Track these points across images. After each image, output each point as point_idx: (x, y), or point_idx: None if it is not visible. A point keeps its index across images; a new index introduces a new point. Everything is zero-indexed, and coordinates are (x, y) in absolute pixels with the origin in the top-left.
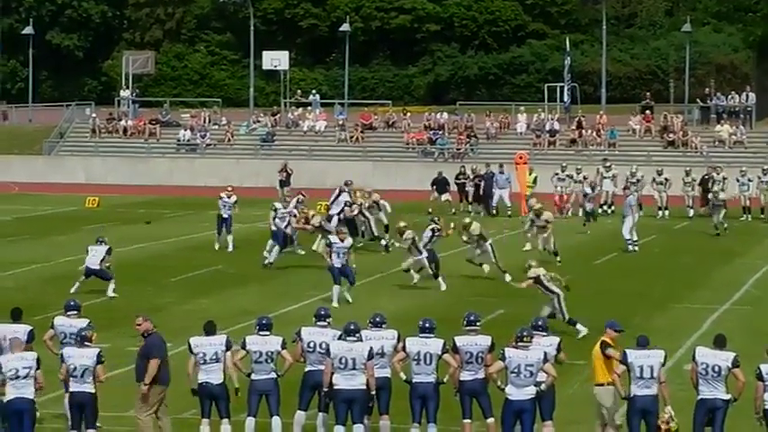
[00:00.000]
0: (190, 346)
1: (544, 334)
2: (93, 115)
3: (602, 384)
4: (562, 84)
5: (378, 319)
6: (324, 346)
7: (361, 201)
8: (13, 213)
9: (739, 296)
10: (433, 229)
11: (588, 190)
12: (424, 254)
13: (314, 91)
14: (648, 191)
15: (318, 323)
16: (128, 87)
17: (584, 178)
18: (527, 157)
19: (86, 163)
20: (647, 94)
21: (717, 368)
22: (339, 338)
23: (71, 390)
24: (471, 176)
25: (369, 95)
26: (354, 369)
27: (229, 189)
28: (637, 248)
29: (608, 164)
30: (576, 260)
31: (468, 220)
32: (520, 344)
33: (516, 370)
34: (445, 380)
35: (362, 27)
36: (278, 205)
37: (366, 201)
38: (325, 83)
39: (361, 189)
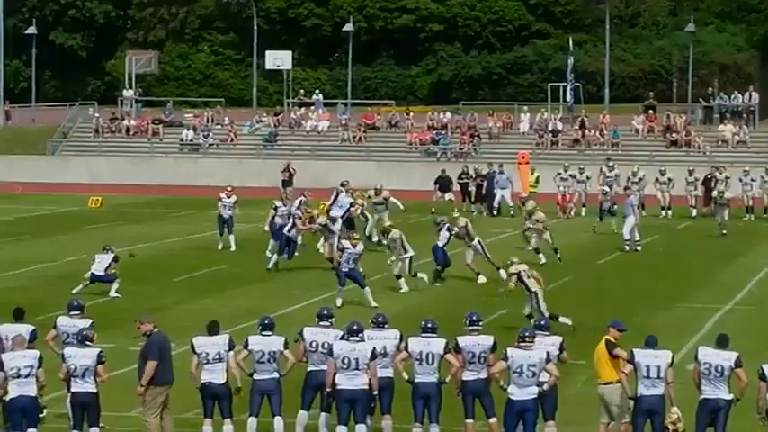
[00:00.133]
0: (193, 345)
1: (547, 334)
2: (97, 115)
3: (609, 383)
4: (565, 83)
5: (380, 319)
6: (326, 346)
7: (361, 201)
8: (16, 213)
9: (742, 296)
10: (449, 229)
11: (606, 188)
12: (410, 252)
13: (317, 91)
14: (651, 191)
15: (321, 323)
16: (131, 87)
17: (588, 178)
18: (529, 157)
19: (89, 163)
20: (651, 93)
21: (720, 368)
22: (341, 338)
23: (73, 390)
24: (474, 176)
25: (372, 95)
26: (357, 369)
27: (229, 189)
28: (639, 248)
29: (611, 164)
30: (579, 260)
31: (456, 214)
32: (522, 344)
33: (519, 370)
34: (447, 380)
35: (366, 27)
36: (278, 203)
37: (375, 197)
38: (329, 83)
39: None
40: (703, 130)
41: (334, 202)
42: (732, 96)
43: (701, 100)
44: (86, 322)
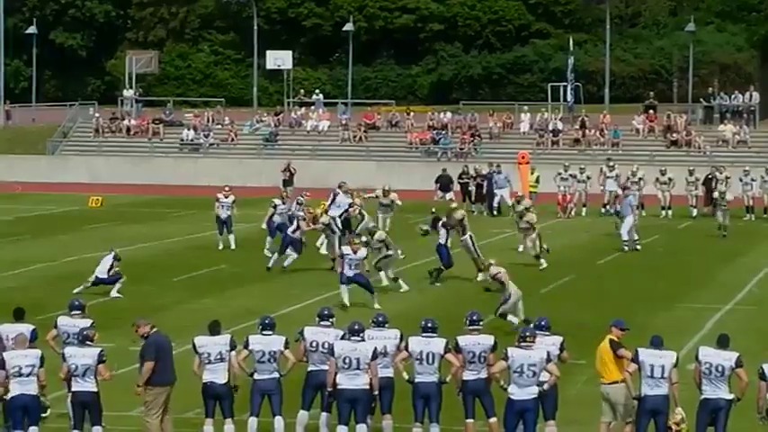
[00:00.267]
0: (194, 345)
1: (547, 333)
2: (97, 115)
3: (614, 383)
4: (565, 83)
5: (380, 319)
6: (326, 345)
7: (359, 200)
8: (16, 213)
9: (742, 296)
10: (444, 224)
11: (619, 191)
12: (392, 252)
13: (317, 90)
14: (652, 191)
15: (321, 323)
16: (131, 87)
17: (588, 178)
18: (529, 157)
19: (90, 162)
20: (651, 93)
21: (720, 368)
22: (342, 338)
23: (73, 389)
24: (474, 176)
25: (372, 95)
26: (358, 369)
27: (227, 189)
28: (639, 247)
29: (611, 163)
30: (579, 260)
31: (454, 205)
32: (523, 343)
33: (519, 370)
34: (448, 379)
35: (366, 26)
36: (277, 201)
37: (383, 198)
38: (329, 82)
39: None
40: (704, 129)
41: (332, 202)
42: (732, 96)
43: (701, 100)
44: (87, 322)
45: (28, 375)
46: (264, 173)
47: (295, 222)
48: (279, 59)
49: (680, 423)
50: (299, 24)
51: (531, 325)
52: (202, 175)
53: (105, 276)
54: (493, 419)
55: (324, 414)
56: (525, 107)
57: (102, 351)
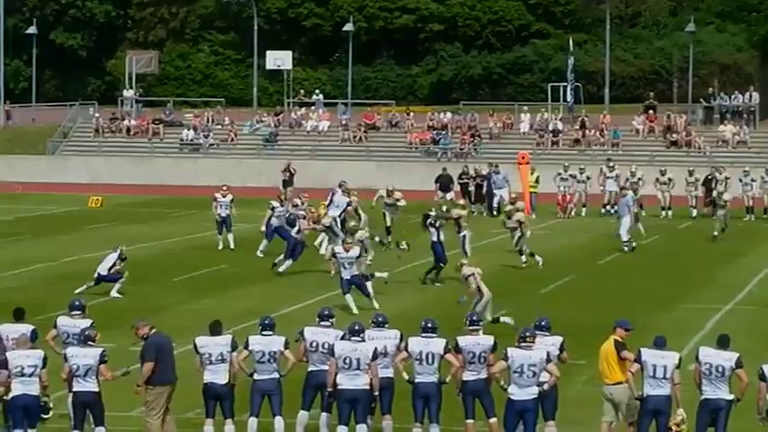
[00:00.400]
0: (195, 346)
1: (547, 334)
2: (97, 115)
3: (619, 383)
4: (565, 83)
5: (380, 319)
6: (326, 346)
7: (355, 198)
8: (16, 213)
9: (742, 296)
10: (431, 223)
11: (631, 193)
12: (370, 255)
13: (317, 91)
14: (651, 191)
15: (322, 323)
16: (131, 87)
17: (588, 178)
18: (529, 157)
19: (90, 163)
20: (651, 93)
21: (720, 368)
22: (342, 338)
23: (75, 389)
24: (474, 176)
25: (372, 95)
26: (358, 369)
27: (224, 189)
28: (634, 245)
29: (611, 164)
30: (579, 260)
31: (461, 202)
32: (523, 344)
33: (519, 370)
34: (448, 380)
35: (366, 27)
36: (275, 204)
37: (388, 198)
38: (329, 82)
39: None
40: (703, 130)
41: (330, 202)
42: (732, 96)
43: (701, 100)
44: (87, 322)
45: (30, 376)
46: (264, 173)
47: (297, 224)
48: (279, 60)
49: (680, 424)
50: (299, 24)
51: (532, 325)
52: (202, 175)
53: (105, 273)
54: (493, 420)
55: (324, 414)
56: (525, 107)
57: (103, 351)
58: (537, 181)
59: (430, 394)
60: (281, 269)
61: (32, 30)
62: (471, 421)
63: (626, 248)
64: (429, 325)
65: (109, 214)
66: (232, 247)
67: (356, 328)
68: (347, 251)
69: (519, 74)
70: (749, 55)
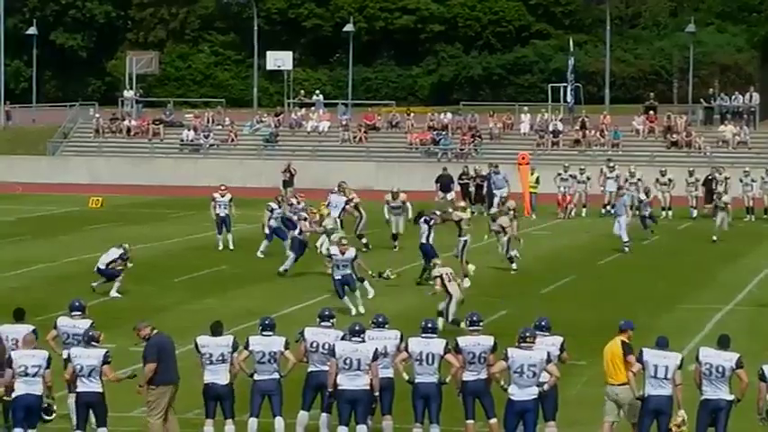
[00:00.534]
0: (197, 345)
1: (547, 334)
2: (97, 115)
3: (625, 384)
4: (566, 84)
5: (380, 320)
6: (327, 346)
7: (354, 196)
8: (17, 213)
9: (742, 297)
10: (426, 221)
11: (642, 196)
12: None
13: (317, 91)
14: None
15: (322, 324)
16: (131, 87)
17: (588, 179)
18: (529, 158)
19: (90, 163)
20: (651, 94)
21: (721, 369)
22: (343, 339)
23: (79, 390)
24: (474, 177)
25: (372, 96)
26: (359, 370)
27: (222, 188)
28: (628, 249)
29: (612, 164)
30: (579, 260)
31: (462, 204)
32: (523, 344)
33: (519, 370)
34: (448, 380)
35: (366, 27)
36: (273, 205)
37: (393, 201)
38: (329, 83)
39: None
40: (704, 130)
41: (329, 204)
42: (733, 97)
43: (701, 100)
44: (87, 323)
45: (34, 375)
46: (264, 173)
47: (298, 225)
48: (279, 60)
49: (680, 425)
50: (300, 25)
51: (532, 325)
52: (202, 175)
53: (104, 267)
54: (493, 420)
55: (324, 415)
56: (525, 108)
57: (107, 352)
58: (537, 181)
59: (430, 395)
60: (283, 268)
61: (33, 30)
62: (471, 422)
63: (626, 249)
64: (429, 325)
65: (109, 215)
66: (231, 247)
67: (357, 328)
68: (343, 253)
69: (519, 74)
70: (749, 55)
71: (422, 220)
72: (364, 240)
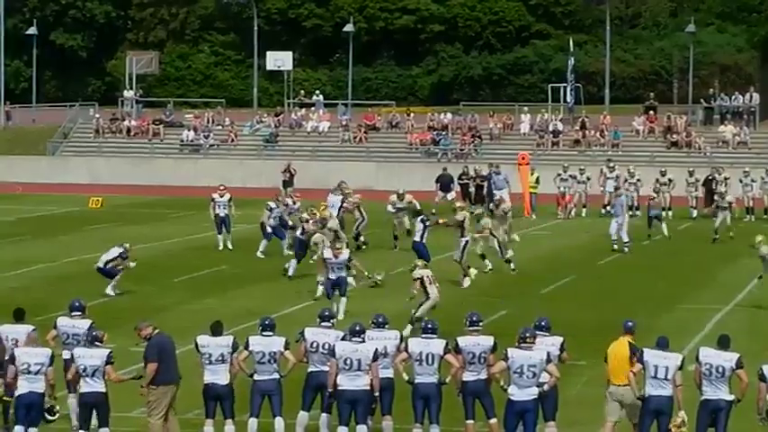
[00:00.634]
0: (197, 345)
1: (547, 334)
2: (97, 115)
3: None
4: (566, 84)
5: (380, 320)
6: (327, 346)
7: (354, 198)
8: (17, 214)
9: (742, 297)
10: (422, 220)
11: (654, 194)
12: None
13: (317, 91)
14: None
15: (322, 324)
16: (131, 88)
17: (588, 179)
18: (529, 158)
19: (90, 163)
20: (651, 94)
21: (721, 369)
22: (343, 339)
23: (82, 390)
24: (474, 177)
25: (372, 96)
26: (359, 370)
27: (221, 188)
28: (625, 249)
29: (612, 164)
30: (579, 261)
31: (459, 204)
32: (523, 344)
33: (519, 370)
34: (447, 380)
35: (366, 27)
36: (272, 204)
37: (399, 202)
38: (329, 83)
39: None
40: (704, 130)
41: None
42: (733, 97)
43: (701, 101)
44: (86, 323)
45: (36, 373)
46: (265, 174)
47: (300, 227)
48: (279, 60)
49: (680, 426)
50: (300, 25)
51: (532, 325)
52: (202, 175)
53: (102, 266)
54: (493, 420)
55: (324, 415)
56: (525, 108)
57: (110, 352)
58: (537, 181)
59: (430, 395)
60: (291, 273)
61: (33, 30)
62: (471, 422)
63: (626, 249)
64: (429, 326)
65: (109, 215)
66: (230, 247)
67: (357, 328)
68: (337, 257)
69: (519, 74)
70: (749, 56)
71: (419, 218)
72: (362, 239)
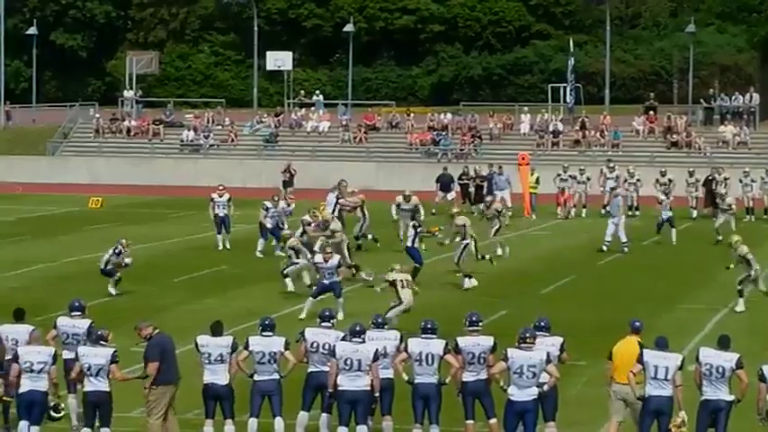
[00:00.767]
0: (197, 344)
1: (547, 334)
2: (97, 115)
3: (637, 383)
4: (566, 84)
5: (380, 320)
6: (327, 347)
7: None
8: (17, 214)
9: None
10: (414, 226)
11: (663, 197)
12: (303, 261)
13: (317, 91)
14: (651, 192)
15: (322, 324)
16: (131, 88)
17: (588, 179)
18: (529, 158)
19: (90, 163)
20: (651, 94)
21: (721, 369)
22: (343, 339)
23: (86, 389)
24: (474, 177)
25: (372, 96)
26: (359, 370)
27: (221, 188)
28: (605, 248)
29: (612, 164)
30: (579, 261)
31: (455, 210)
32: (523, 344)
33: (519, 371)
34: (447, 380)
35: (366, 27)
36: (268, 204)
37: (405, 204)
38: (329, 83)
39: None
40: (704, 131)
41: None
42: (733, 97)
43: (701, 101)
44: (86, 323)
45: (39, 372)
46: (264, 174)
47: (300, 227)
48: (279, 60)
49: (680, 426)
50: (300, 25)
51: (532, 325)
52: (202, 175)
53: (103, 267)
54: (493, 420)
55: (324, 415)
56: (525, 108)
57: (115, 351)
58: (537, 182)
59: (430, 395)
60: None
61: (33, 30)
62: (471, 422)
63: (626, 249)
64: (429, 326)
65: (109, 215)
66: (228, 247)
67: (357, 329)
68: (326, 261)
69: (519, 75)
70: (749, 56)
71: (411, 224)
72: (370, 237)
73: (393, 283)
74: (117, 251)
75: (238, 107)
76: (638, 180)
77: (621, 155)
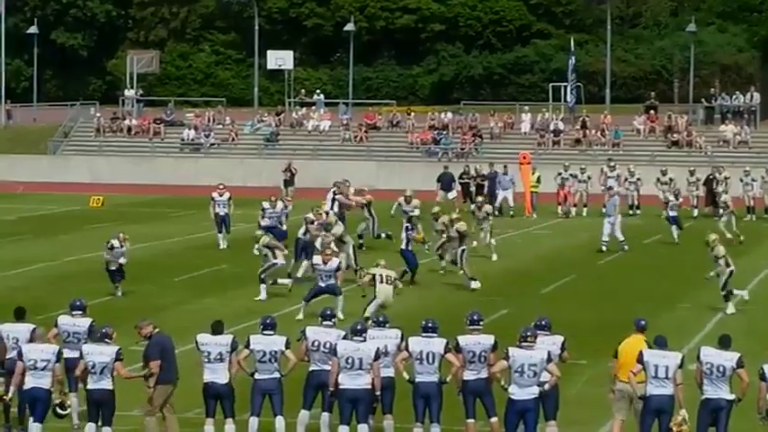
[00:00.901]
0: (197, 343)
1: (548, 333)
2: (98, 114)
3: (641, 382)
4: (566, 84)
5: (381, 319)
6: (328, 345)
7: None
8: (18, 213)
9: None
10: (407, 228)
11: (672, 198)
12: (280, 261)
13: (318, 90)
14: (652, 191)
15: (324, 323)
16: (132, 87)
17: (589, 178)
18: (530, 157)
19: (91, 162)
20: (652, 94)
21: (721, 368)
22: (344, 338)
23: (90, 387)
24: (475, 176)
25: (373, 95)
26: (360, 369)
27: (221, 187)
28: (604, 248)
29: (612, 164)
30: (580, 260)
31: (456, 215)
32: (524, 343)
33: (520, 369)
34: (448, 379)
35: (367, 27)
36: (266, 204)
37: (406, 205)
38: (330, 82)
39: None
40: (704, 130)
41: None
42: (733, 97)
43: (702, 100)
44: (87, 322)
45: (42, 369)
46: (265, 173)
47: (303, 226)
48: (280, 59)
49: (681, 424)
50: (301, 24)
51: (532, 325)
52: (203, 174)
53: (106, 268)
54: (494, 419)
55: (325, 414)
56: (526, 107)
57: (119, 349)
58: (538, 181)
59: (430, 394)
60: (299, 274)
61: (33, 29)
62: (472, 421)
63: (626, 247)
64: (429, 324)
65: (110, 214)
66: (227, 246)
67: (358, 327)
68: (325, 263)
69: (520, 74)
70: (750, 55)
71: (404, 227)
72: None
73: (373, 278)
74: (109, 246)
75: (239, 106)
76: (638, 179)
77: (622, 154)
